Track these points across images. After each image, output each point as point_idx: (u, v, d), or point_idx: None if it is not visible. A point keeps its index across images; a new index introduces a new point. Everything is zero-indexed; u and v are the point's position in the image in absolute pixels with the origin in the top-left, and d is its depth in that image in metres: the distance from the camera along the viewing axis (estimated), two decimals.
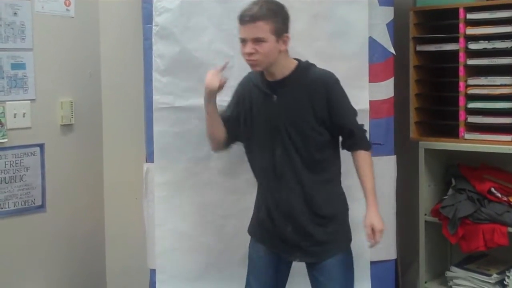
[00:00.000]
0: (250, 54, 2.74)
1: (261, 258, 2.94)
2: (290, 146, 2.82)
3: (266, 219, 2.90)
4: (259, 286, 2.95)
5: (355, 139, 2.88)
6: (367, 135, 2.95)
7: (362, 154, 2.87)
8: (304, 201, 2.86)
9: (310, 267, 2.91)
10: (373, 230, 2.80)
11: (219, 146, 3.00)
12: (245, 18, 2.73)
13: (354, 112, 2.90)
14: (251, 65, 2.80)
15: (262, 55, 2.74)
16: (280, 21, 2.76)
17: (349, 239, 2.97)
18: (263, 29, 2.71)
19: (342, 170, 3.26)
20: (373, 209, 2.82)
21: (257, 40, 2.72)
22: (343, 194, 2.96)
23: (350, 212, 2.97)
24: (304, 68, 2.86)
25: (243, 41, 2.76)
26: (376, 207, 2.83)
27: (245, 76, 2.97)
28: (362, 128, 2.91)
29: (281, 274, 2.97)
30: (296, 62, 2.87)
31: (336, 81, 2.85)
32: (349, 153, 2.93)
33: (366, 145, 2.89)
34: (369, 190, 2.84)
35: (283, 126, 2.80)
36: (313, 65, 2.90)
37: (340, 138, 2.92)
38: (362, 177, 2.85)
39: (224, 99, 3.19)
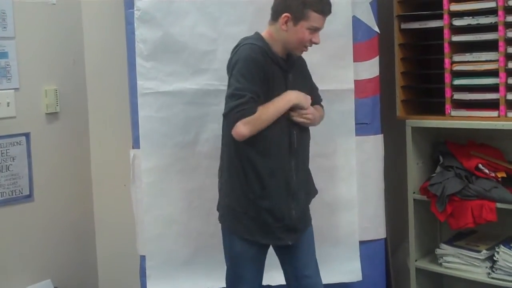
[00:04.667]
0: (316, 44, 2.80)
1: (256, 254, 2.88)
2: (303, 125, 2.87)
3: (270, 195, 2.78)
4: (259, 282, 2.95)
5: None
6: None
7: None
8: (309, 180, 2.95)
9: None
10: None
11: None
12: (329, 8, 2.78)
13: None
14: (302, 52, 2.84)
15: None
16: None
17: None
18: None
19: (329, 150, 3.34)
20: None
21: None
22: None
23: (335, 192, 2.99)
24: None
25: (316, 30, 2.77)
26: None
27: (257, 48, 2.74)
28: None
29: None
30: None
31: None
32: (333, 134, 3.07)
33: None
34: None
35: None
36: None
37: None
38: None
39: (211, 83, 3.18)
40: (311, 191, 2.99)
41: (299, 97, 2.80)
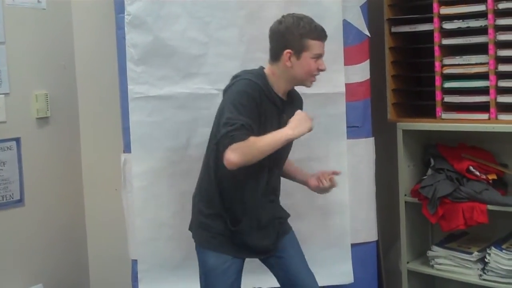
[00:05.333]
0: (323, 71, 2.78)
1: (229, 268, 2.85)
2: (282, 163, 2.90)
3: (243, 231, 2.82)
4: None
5: None
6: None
7: None
8: (278, 209, 2.97)
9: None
10: None
11: None
12: (324, 34, 2.76)
13: None
14: (312, 82, 2.81)
15: None
16: None
17: None
18: None
19: (320, 154, 3.37)
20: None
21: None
22: None
23: (326, 195, 3.01)
24: None
25: (319, 57, 2.75)
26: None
27: (254, 85, 2.71)
28: None
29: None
30: None
31: None
32: (325, 137, 3.06)
33: None
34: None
35: (287, 145, 2.80)
36: None
37: None
38: None
39: (201, 87, 3.18)
40: (283, 217, 2.99)
41: (299, 131, 2.70)
